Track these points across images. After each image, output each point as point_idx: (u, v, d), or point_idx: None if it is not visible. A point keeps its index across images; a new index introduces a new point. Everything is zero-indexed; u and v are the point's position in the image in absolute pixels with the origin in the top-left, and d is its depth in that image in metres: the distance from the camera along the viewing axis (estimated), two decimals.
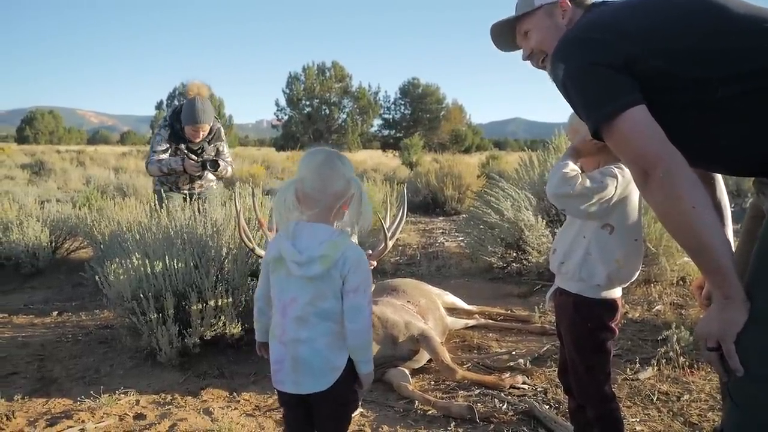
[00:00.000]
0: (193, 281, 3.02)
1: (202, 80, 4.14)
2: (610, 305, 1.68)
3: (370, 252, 2.94)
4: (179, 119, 4.06)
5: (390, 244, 2.87)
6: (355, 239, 1.57)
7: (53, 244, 5.22)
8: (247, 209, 3.79)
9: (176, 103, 4.17)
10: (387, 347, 2.72)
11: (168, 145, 4.12)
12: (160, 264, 3.02)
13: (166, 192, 4.15)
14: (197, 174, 4.14)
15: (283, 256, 1.50)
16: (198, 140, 4.12)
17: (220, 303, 2.98)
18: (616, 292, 1.69)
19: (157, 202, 3.84)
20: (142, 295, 2.91)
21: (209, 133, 4.17)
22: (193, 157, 4.15)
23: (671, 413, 2.30)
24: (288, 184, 1.53)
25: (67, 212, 5.65)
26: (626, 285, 1.73)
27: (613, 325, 1.70)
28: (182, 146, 4.15)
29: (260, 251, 2.91)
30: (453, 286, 4.27)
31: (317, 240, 1.48)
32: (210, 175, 4.23)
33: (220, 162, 4.15)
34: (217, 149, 4.28)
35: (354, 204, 1.53)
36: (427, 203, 9.53)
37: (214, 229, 3.37)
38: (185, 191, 4.24)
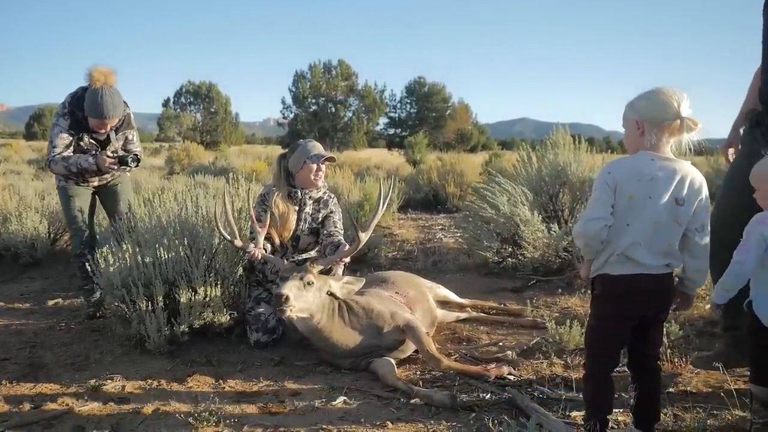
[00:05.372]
0: (183, 270, 3.03)
1: (107, 67, 3.55)
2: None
3: (347, 248, 2.90)
4: (81, 107, 3.54)
5: (364, 237, 2.84)
6: None
7: (52, 235, 5.26)
8: (241, 201, 3.80)
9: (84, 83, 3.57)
10: (372, 336, 2.73)
11: (70, 137, 3.62)
12: (151, 253, 3.04)
13: (71, 186, 3.74)
14: (114, 170, 3.75)
15: None
16: (103, 132, 3.67)
17: (209, 292, 2.99)
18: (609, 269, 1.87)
19: (60, 201, 3.52)
20: (132, 283, 2.93)
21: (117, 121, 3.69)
22: (109, 153, 3.68)
23: None
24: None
25: None
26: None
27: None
28: (85, 138, 3.66)
29: (239, 243, 2.90)
30: (448, 280, 4.27)
31: None
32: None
33: (134, 156, 3.78)
34: (126, 137, 3.81)
35: None
36: (428, 200, 9.50)
37: (206, 220, 3.39)
38: (94, 183, 3.85)
